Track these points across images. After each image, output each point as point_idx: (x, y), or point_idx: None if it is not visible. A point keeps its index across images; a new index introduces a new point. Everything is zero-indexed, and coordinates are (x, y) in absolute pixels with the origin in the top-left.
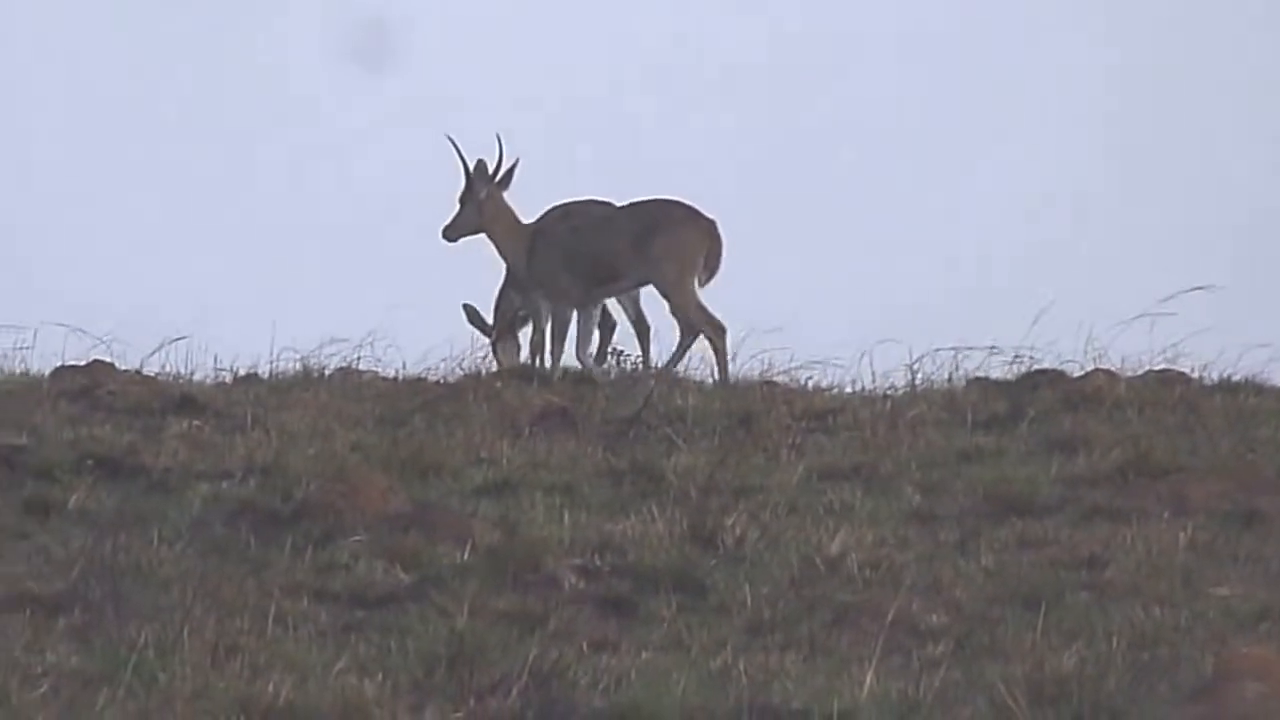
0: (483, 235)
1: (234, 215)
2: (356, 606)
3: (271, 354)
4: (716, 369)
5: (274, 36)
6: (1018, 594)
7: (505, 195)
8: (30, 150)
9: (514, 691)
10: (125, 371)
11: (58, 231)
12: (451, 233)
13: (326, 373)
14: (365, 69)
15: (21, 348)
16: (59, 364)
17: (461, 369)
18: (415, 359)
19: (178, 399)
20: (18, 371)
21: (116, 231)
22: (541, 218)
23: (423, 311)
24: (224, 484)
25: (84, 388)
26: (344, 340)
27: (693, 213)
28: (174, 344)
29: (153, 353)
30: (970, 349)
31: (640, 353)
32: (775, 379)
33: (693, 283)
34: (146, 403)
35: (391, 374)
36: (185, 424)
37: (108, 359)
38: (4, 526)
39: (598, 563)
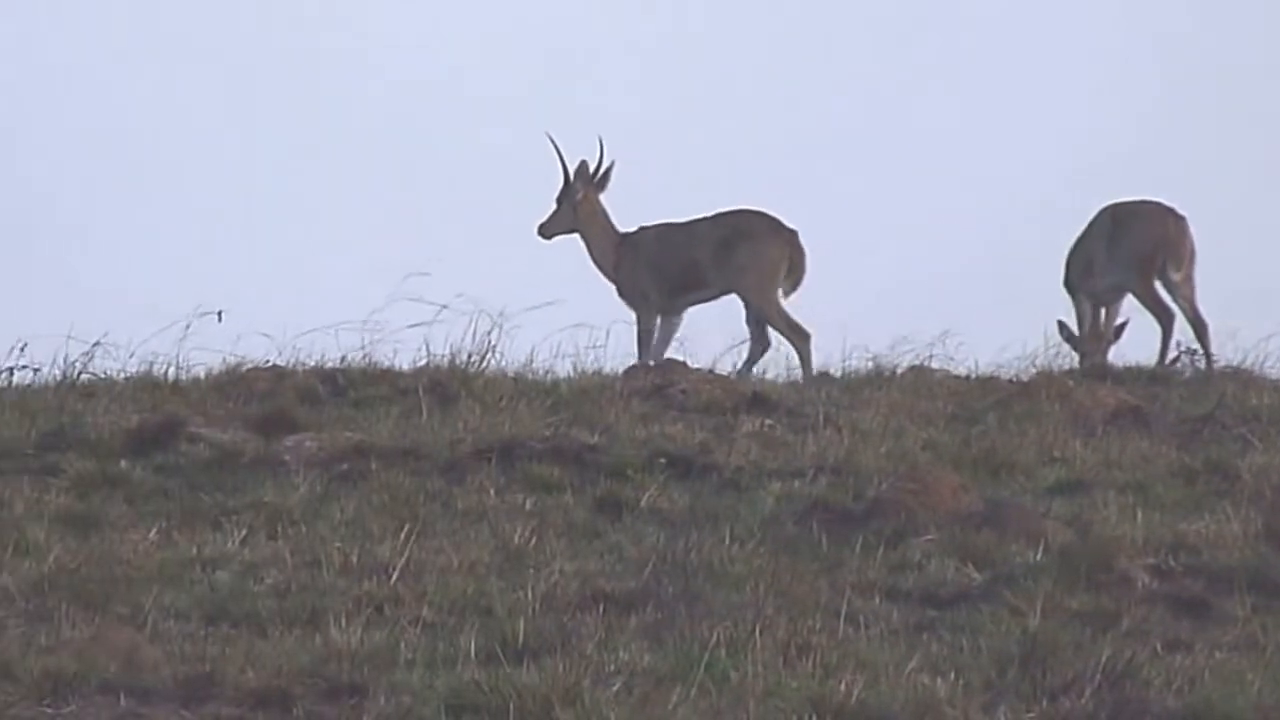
0: (577, 236)
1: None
2: (928, 605)
3: (843, 353)
4: (801, 374)
5: None
6: None
7: (602, 197)
8: None
9: (1087, 692)
10: (697, 370)
11: None
12: (547, 230)
13: (898, 371)
14: None
15: (595, 346)
16: (631, 363)
17: (1034, 367)
18: (987, 358)
19: (749, 397)
20: (590, 370)
21: None
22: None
23: (995, 310)
24: (795, 482)
25: (656, 386)
26: (915, 340)
27: (775, 224)
28: (744, 344)
29: (724, 352)
30: None
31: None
32: None
33: (775, 291)
34: (718, 401)
35: (963, 372)
36: (757, 422)
37: (679, 357)
38: (577, 524)
39: (1171, 563)
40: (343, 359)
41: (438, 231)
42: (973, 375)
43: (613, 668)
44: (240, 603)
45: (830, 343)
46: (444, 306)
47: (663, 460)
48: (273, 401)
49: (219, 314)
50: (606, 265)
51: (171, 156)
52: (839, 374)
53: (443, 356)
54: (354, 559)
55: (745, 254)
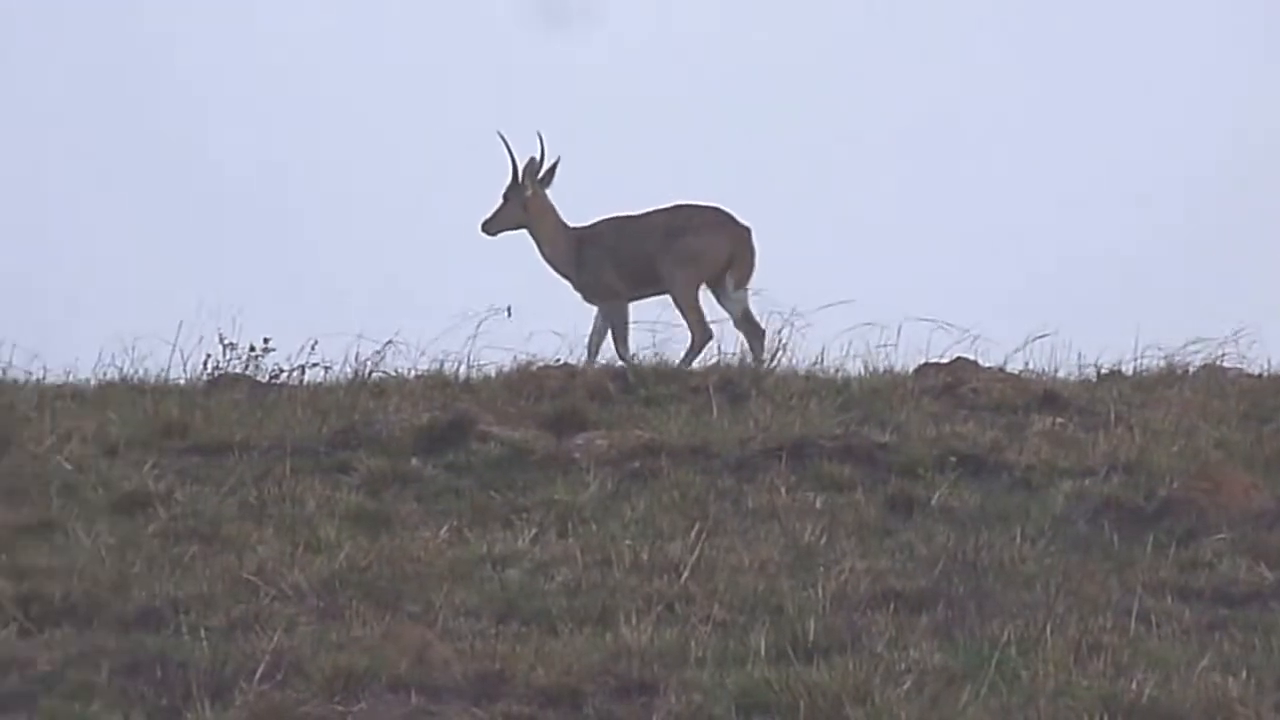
0: (523, 232)
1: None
2: (1220, 604)
3: (1135, 352)
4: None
5: None
6: None
7: (548, 193)
8: None
9: None
10: (988, 369)
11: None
12: (492, 226)
13: (1190, 370)
14: None
15: (884, 345)
16: (923, 361)
17: None
18: None
19: (1041, 396)
20: (881, 369)
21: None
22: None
23: None
24: (1087, 481)
25: (947, 385)
26: (1209, 338)
27: (725, 218)
28: (1037, 341)
29: (1017, 350)
30: None
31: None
32: None
33: (698, 285)
34: (1009, 400)
35: (1257, 371)
36: (1048, 421)
37: (970, 356)
38: (867, 523)
39: None
40: (634, 357)
41: None
42: (1266, 374)
43: (903, 666)
44: (531, 600)
45: (1123, 340)
46: None
47: (953, 459)
48: (564, 399)
49: (509, 311)
50: (560, 260)
51: (456, 160)
52: (1130, 372)
53: (733, 354)
54: (644, 557)
55: (686, 244)
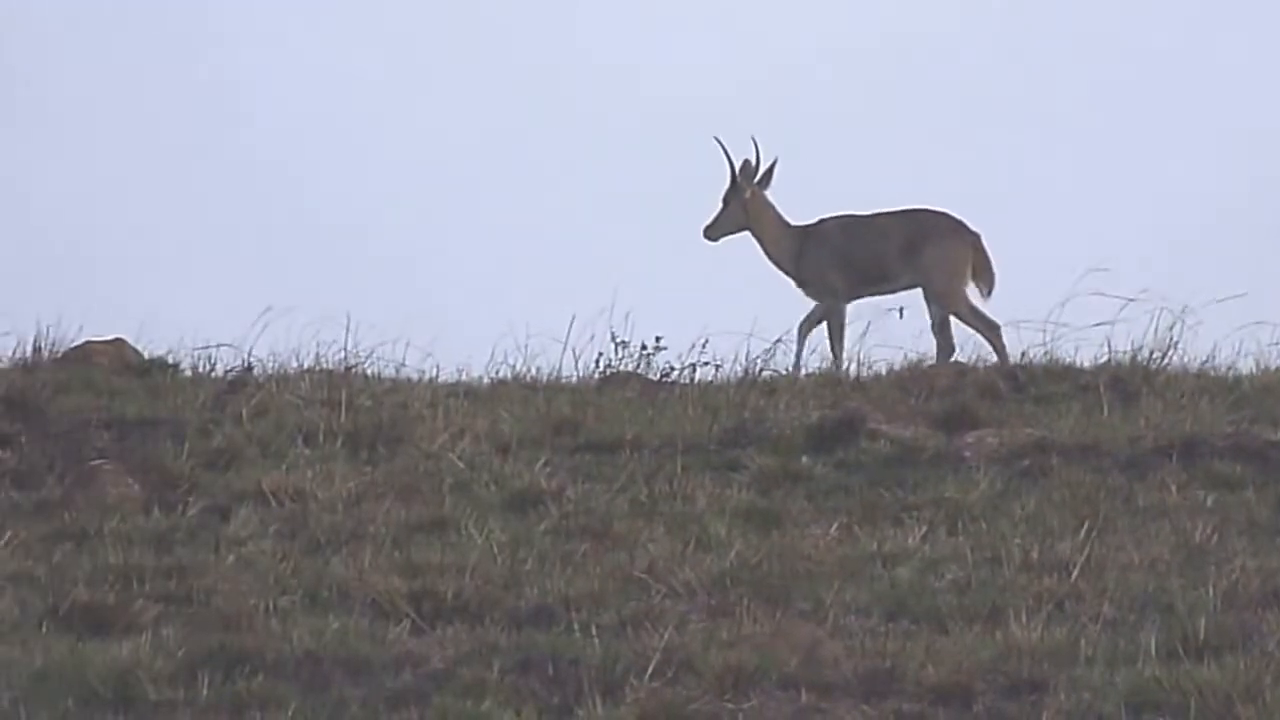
0: (746, 234)
1: None
2: None
3: None
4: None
5: None
6: None
7: (767, 194)
8: None
9: None
10: None
11: None
12: (714, 231)
13: None
14: None
15: (1276, 343)
16: None
17: None
18: None
19: None
20: (1274, 367)
21: None
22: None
23: None
24: None
25: None
26: None
27: (959, 225)
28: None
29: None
30: None
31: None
32: None
33: (964, 291)
34: None
35: None
36: None
37: None
38: (1259, 522)
39: None
40: (1023, 355)
41: (1118, 227)
42: None
43: None
44: (920, 598)
45: None
46: (1130, 300)
47: None
48: (954, 398)
49: (900, 312)
50: (784, 259)
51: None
52: None
53: (1124, 352)
54: (1034, 555)
55: (932, 254)
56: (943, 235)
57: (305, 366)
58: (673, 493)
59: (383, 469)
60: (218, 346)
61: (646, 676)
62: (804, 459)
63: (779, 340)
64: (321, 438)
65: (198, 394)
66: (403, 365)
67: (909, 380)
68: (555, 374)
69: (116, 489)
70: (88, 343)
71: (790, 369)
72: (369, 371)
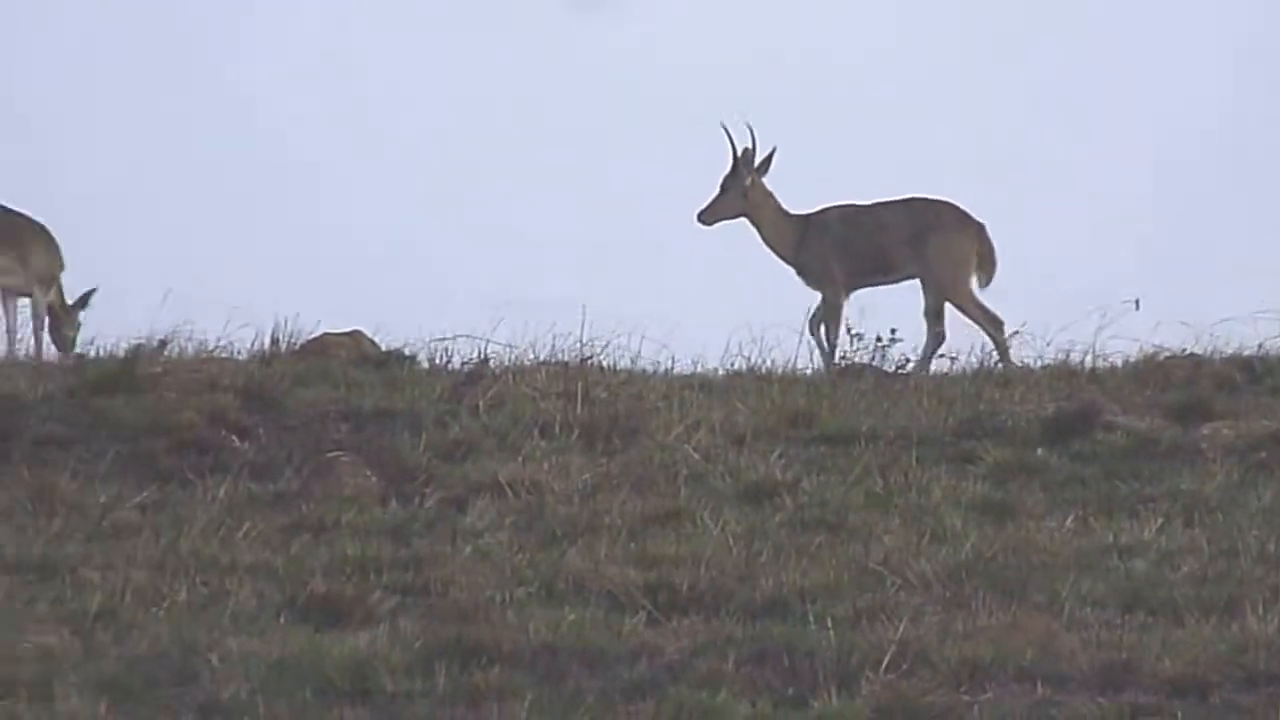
0: (742, 221)
1: None
2: None
3: None
4: (1001, 362)
5: None
6: None
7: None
8: None
9: None
10: None
11: None
12: (709, 216)
13: None
14: None
15: None
16: None
17: None
18: None
19: None
20: None
21: None
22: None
23: None
24: None
25: None
26: None
27: (964, 216)
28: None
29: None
30: None
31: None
32: None
33: (968, 283)
34: None
35: None
36: None
37: None
38: None
39: None
40: (1260, 346)
41: None
42: None
43: None
44: (1156, 590)
45: None
46: None
47: None
48: (1190, 389)
49: (1136, 303)
50: (783, 246)
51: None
52: None
53: None
54: (1271, 548)
55: (937, 245)
56: (947, 226)
57: (541, 358)
58: (908, 485)
59: (618, 461)
60: (454, 338)
61: (881, 669)
62: (1039, 451)
63: (1015, 332)
64: (558, 429)
65: (435, 386)
66: (638, 357)
67: (1144, 372)
68: (790, 366)
69: (354, 481)
70: (325, 335)
71: (824, 367)
72: (604, 364)
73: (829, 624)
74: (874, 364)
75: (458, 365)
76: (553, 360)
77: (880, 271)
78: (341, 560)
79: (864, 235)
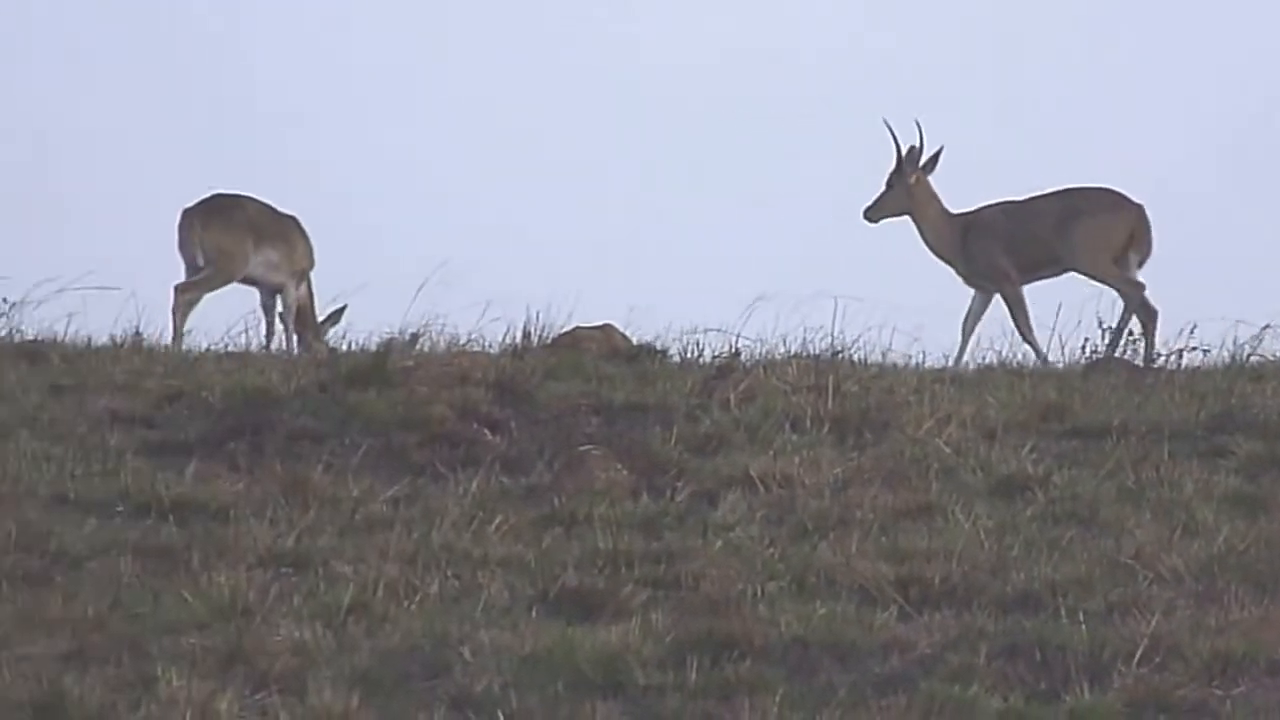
0: (906, 219)
1: None
2: None
3: None
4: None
5: None
6: None
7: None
8: None
9: None
10: None
11: None
12: (874, 213)
13: None
14: None
15: None
16: None
17: None
18: None
19: None
20: None
21: None
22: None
23: None
24: None
25: None
26: None
27: (1118, 199)
28: None
29: None
30: None
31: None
32: None
33: (1109, 263)
34: None
35: None
36: None
37: None
38: None
39: None
40: None
41: None
42: None
43: None
44: None
45: None
46: None
47: None
48: None
49: None
50: (944, 246)
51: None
52: None
53: None
54: None
55: (1082, 230)
56: (1095, 211)
57: (792, 352)
58: (1159, 479)
59: (869, 455)
60: (705, 332)
61: (1134, 663)
62: None
63: (1267, 326)
64: (808, 423)
65: (686, 380)
66: (889, 351)
67: None
68: (1041, 360)
69: (605, 474)
70: (577, 328)
71: (953, 362)
72: (855, 357)
73: (1080, 618)
74: (1126, 357)
75: (708, 359)
76: (803, 354)
77: (1047, 264)
78: (593, 554)
79: (1024, 229)
